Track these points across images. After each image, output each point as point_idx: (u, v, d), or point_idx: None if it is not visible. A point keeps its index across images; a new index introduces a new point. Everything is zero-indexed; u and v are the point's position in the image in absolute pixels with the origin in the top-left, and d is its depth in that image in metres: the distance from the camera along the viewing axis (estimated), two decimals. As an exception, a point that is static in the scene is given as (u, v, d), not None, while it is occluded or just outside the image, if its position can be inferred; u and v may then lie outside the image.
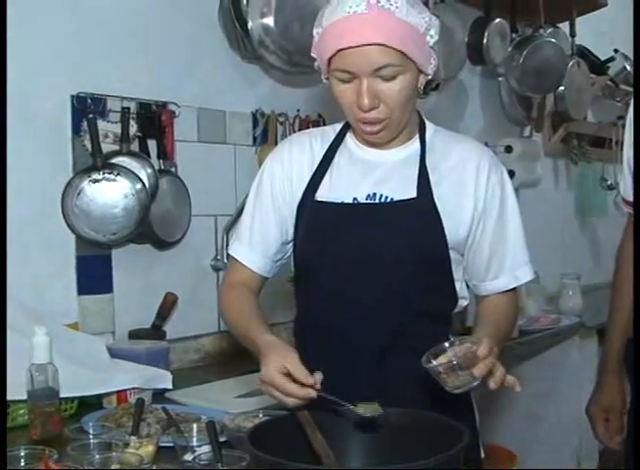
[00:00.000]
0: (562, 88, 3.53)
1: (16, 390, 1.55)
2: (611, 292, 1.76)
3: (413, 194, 1.44)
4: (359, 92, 1.35)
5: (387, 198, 1.45)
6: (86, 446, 1.33)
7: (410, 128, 1.49)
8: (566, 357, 3.03)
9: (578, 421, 2.99)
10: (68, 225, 2.07)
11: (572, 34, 3.61)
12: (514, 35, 3.32)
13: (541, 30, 3.34)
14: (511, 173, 3.58)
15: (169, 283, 2.30)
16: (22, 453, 1.29)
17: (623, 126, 4.60)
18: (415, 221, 1.43)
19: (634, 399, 1.46)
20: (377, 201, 1.45)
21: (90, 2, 2.15)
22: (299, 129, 2.70)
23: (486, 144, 3.55)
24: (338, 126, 1.56)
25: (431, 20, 1.39)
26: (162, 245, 2.29)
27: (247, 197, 2.45)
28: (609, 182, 4.23)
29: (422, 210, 1.44)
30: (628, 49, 4.17)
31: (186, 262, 2.38)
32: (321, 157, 1.52)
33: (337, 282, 1.46)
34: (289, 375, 1.23)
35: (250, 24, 2.31)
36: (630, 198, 1.65)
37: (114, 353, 1.94)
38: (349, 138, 1.53)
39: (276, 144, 2.64)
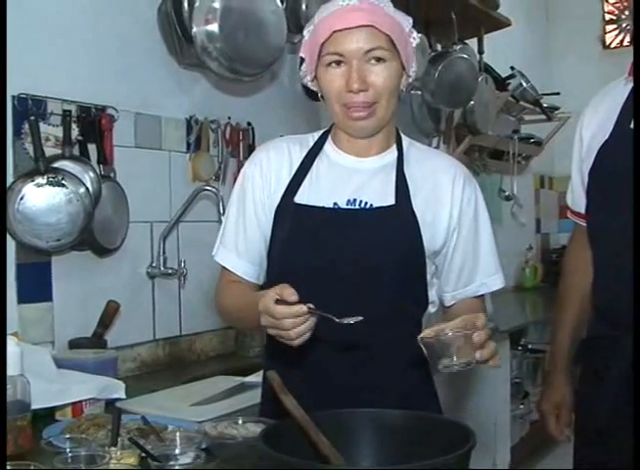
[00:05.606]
0: (472, 103, 3.67)
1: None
2: (558, 296, 1.86)
3: (392, 201, 1.49)
4: (349, 75, 1.43)
5: (366, 203, 1.49)
6: (68, 460, 1.30)
7: (388, 137, 1.55)
8: (480, 360, 3.15)
9: (494, 420, 3.14)
10: (9, 231, 1.99)
11: (480, 51, 3.75)
12: (429, 51, 3.43)
13: (454, 46, 3.46)
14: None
15: (108, 291, 2.25)
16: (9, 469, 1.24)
17: (520, 139, 4.82)
18: (394, 227, 1.48)
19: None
20: (357, 206, 1.49)
21: (31, 4, 2.08)
22: (230, 137, 2.71)
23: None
24: (316, 135, 1.59)
25: (411, 25, 1.51)
26: (102, 252, 2.24)
27: (188, 203, 2.45)
28: (506, 193, 4.45)
29: (401, 216, 1.48)
30: (523, 66, 4.42)
31: (124, 270, 2.33)
32: (299, 162, 1.54)
33: (315, 284, 1.44)
34: (282, 302, 1.25)
35: (194, 30, 2.29)
36: (578, 209, 1.75)
37: (60, 364, 1.87)
38: (329, 145, 1.57)
39: (208, 151, 2.64)
